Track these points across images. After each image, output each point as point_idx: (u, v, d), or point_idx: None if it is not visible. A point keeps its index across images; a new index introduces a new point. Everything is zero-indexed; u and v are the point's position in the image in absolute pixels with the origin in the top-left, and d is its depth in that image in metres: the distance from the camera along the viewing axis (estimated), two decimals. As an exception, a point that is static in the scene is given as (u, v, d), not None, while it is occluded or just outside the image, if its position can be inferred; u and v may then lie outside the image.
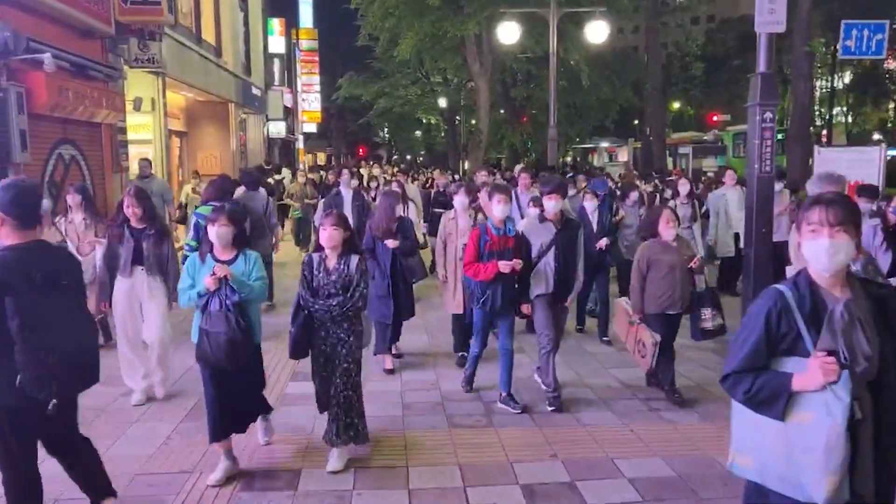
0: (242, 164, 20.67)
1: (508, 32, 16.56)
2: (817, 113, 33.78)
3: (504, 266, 5.10)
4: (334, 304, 4.25)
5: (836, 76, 36.36)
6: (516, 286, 5.35)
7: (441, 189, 11.43)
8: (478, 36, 19.39)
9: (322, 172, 20.34)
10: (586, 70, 20.85)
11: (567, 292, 5.57)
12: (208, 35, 18.27)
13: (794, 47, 17.27)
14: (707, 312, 5.50)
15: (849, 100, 38.40)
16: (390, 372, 6.32)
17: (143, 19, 11.89)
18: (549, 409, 5.32)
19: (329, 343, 4.38)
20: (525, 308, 5.42)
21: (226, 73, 19.55)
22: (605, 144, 38.15)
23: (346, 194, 8.93)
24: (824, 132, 37.46)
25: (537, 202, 6.40)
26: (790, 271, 6.23)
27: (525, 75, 25.49)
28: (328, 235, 4.29)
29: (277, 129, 26.53)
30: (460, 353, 6.59)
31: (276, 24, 26.89)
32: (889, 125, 39.51)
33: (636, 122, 42.17)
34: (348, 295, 4.26)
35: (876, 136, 40.22)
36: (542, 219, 5.53)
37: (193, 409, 5.44)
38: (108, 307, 5.70)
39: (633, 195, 8.45)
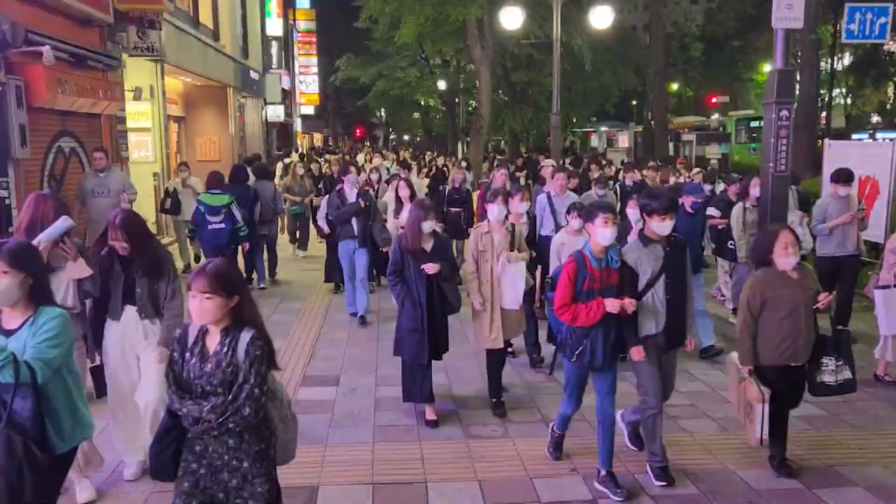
0: (241, 149, 20.47)
1: (511, 17, 16.32)
2: (818, 96, 33.53)
3: (612, 306, 4.05)
4: (207, 407, 2.72)
5: (835, 59, 36.07)
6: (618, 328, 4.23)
7: (457, 185, 10.39)
8: (480, 20, 19.11)
9: (322, 159, 20.12)
10: (589, 55, 20.61)
11: (681, 331, 4.41)
12: (206, 19, 17.97)
13: (801, 36, 17.05)
14: (830, 363, 4.40)
15: (848, 82, 38.15)
16: (433, 423, 5.22)
17: (142, 7, 11.65)
18: (657, 483, 4.32)
19: (208, 468, 2.85)
20: (637, 353, 4.21)
21: (224, 57, 19.26)
22: (604, 129, 37.91)
23: (351, 194, 8.16)
24: (823, 115, 37.28)
25: (583, 213, 5.15)
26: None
27: (527, 59, 25.20)
28: (198, 308, 2.78)
29: (276, 112, 26.25)
30: (496, 400, 5.55)
31: (274, 5, 26.48)
32: (888, 107, 39.32)
33: (635, 102, 41.89)
34: (230, 396, 2.73)
35: (875, 119, 40.11)
36: (647, 240, 4.31)
37: (205, 417, 5.36)
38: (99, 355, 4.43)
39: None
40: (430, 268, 5.14)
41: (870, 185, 9.08)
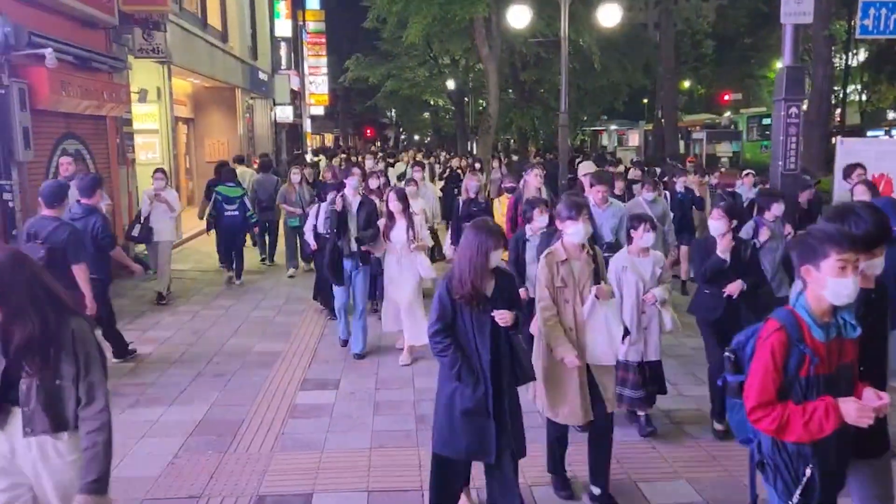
0: (250, 150, 20.49)
1: (519, 16, 16.18)
2: (833, 92, 33.16)
3: (858, 413, 2.44)
4: None
5: (850, 54, 35.65)
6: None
7: (473, 195, 8.76)
8: (487, 19, 19.00)
9: (320, 160, 19.97)
10: (597, 53, 20.45)
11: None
12: (214, 20, 17.97)
13: (814, 32, 16.80)
14: None
15: (863, 78, 37.69)
16: None
17: (147, 8, 11.64)
18: None
19: None
20: None
21: (232, 58, 19.28)
22: (614, 127, 37.69)
23: (354, 201, 6.82)
24: (838, 111, 36.87)
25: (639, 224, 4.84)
26: None
27: (535, 58, 25.05)
28: None
29: (284, 113, 26.26)
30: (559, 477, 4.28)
31: (283, 6, 26.51)
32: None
33: (645, 100, 41.62)
34: None
35: (891, 115, 39.61)
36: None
37: (203, 421, 5.31)
38: None
39: (777, 206, 5.90)
40: (504, 317, 3.49)
41: (884, 182, 8.90)
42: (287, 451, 4.80)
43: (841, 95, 36.67)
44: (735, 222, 5.04)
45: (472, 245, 3.54)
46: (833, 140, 16.21)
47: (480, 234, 3.54)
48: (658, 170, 14.65)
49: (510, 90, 27.79)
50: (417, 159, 17.19)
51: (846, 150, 9.47)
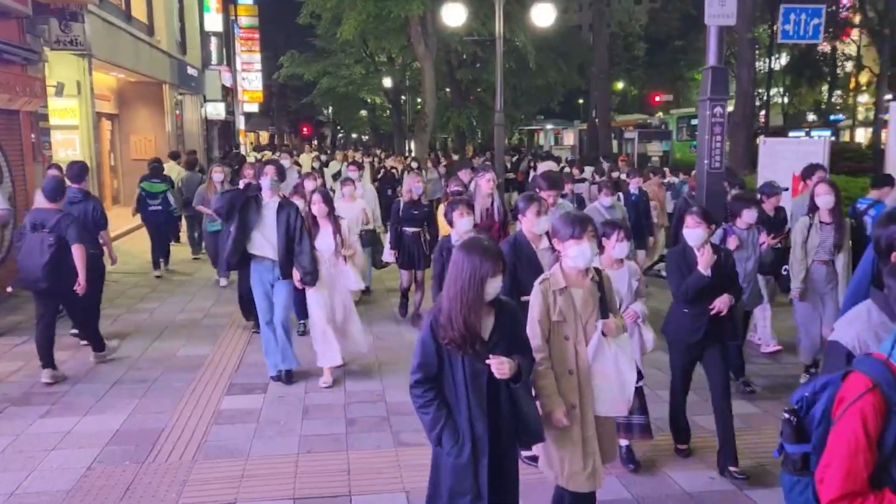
0: (180, 147, 19.85)
1: (454, 14, 16.16)
2: (757, 94, 34.42)
3: None
4: None
5: (773, 58, 37.11)
6: None
7: (416, 198, 7.84)
8: (422, 17, 18.92)
9: (265, 157, 19.57)
10: (533, 53, 20.64)
11: None
12: (139, 13, 17.32)
13: (738, 35, 17.39)
14: None
15: (785, 81, 39.29)
16: None
17: (64, -3, 11.10)
18: None
19: None
20: None
21: (159, 52, 18.62)
22: (550, 126, 38.19)
23: (270, 204, 5.85)
24: (762, 113, 38.34)
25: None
26: None
27: (471, 57, 25.12)
28: None
29: (216, 110, 25.57)
30: None
31: (213, 0, 25.80)
32: (823, 106, 40.63)
33: (581, 101, 42.31)
34: None
35: (811, 117, 41.40)
36: None
37: (120, 430, 5.05)
38: None
39: (749, 213, 5.53)
40: (501, 367, 2.79)
41: (802, 182, 9.21)
42: (210, 460, 4.61)
43: (765, 98, 38.19)
44: (714, 228, 4.65)
45: (463, 272, 2.77)
46: (757, 140, 16.78)
47: (473, 258, 2.77)
48: (605, 165, 14.62)
49: (447, 89, 27.79)
50: (355, 158, 16.92)
51: (768, 149, 9.79)
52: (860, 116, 39.47)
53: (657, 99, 41.57)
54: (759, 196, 6.49)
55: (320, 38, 26.26)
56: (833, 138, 34.09)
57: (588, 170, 14.67)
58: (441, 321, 2.80)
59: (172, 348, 7.04)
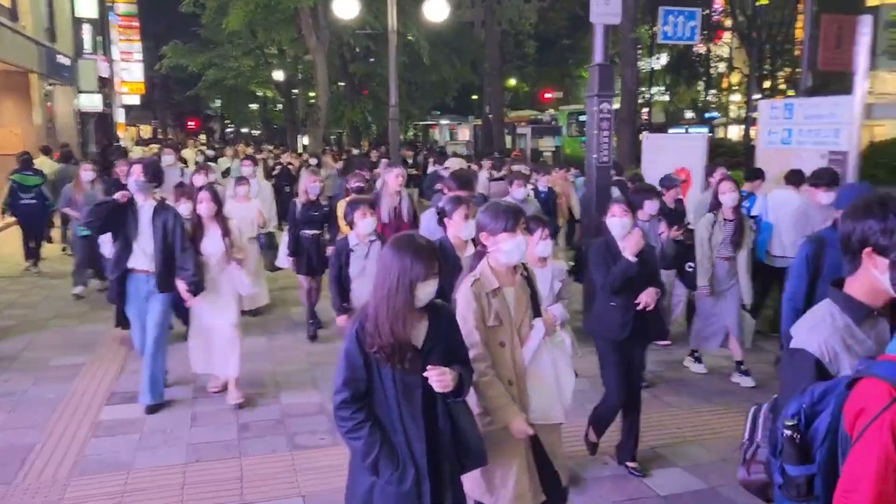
0: (50, 141, 18.50)
1: (346, 6, 15.90)
2: (639, 92, 36.04)
3: None
4: None
5: (654, 58, 39.02)
6: None
7: (313, 197, 7.12)
8: (313, 8, 18.52)
9: (151, 150, 18.57)
10: (427, 47, 20.68)
11: None
12: (0, -5, 16.00)
13: (623, 35, 18.09)
14: None
15: (666, 80, 41.39)
16: None
17: None
18: None
19: None
20: None
21: (24, 39, 17.26)
22: (445, 122, 38.46)
23: (145, 208, 5.16)
24: (646, 110, 40.19)
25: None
26: None
27: (364, 50, 24.86)
28: None
29: (91, 101, 24.03)
30: None
31: (86, -16, 24.20)
32: (700, 104, 43.13)
33: (475, 97, 42.88)
34: None
35: (690, 114, 43.84)
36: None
37: None
38: None
39: (650, 204, 5.43)
40: (442, 378, 2.47)
41: (684, 175, 9.69)
42: (88, 475, 4.28)
43: (648, 96, 40.09)
44: (637, 218, 4.51)
45: (391, 274, 2.44)
46: (641, 136, 17.53)
47: (403, 257, 2.43)
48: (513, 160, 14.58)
49: (340, 83, 27.40)
50: (248, 153, 16.18)
51: (651, 144, 10.22)
52: (732, 114, 42.16)
53: (548, 96, 42.75)
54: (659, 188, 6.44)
55: (205, 28, 25.18)
56: (710, 135, 36.29)
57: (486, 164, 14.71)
58: (367, 328, 2.45)
59: (45, 357, 6.51)
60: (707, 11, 31.47)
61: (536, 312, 3.11)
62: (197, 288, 5.21)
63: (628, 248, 4.07)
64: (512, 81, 44.53)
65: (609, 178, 7.33)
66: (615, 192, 7.81)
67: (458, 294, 3.00)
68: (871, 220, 1.92)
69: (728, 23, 34.56)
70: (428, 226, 5.31)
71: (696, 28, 10.15)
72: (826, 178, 5.69)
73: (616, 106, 19.47)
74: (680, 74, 38.86)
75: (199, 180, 7.16)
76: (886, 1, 31.03)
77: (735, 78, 38.80)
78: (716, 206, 5.79)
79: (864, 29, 6.84)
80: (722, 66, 39.48)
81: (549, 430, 3.11)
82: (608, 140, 7.13)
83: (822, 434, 1.73)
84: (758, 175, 7.21)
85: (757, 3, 30.77)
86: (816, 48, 10.22)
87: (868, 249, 1.95)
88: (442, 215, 4.12)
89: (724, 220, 5.75)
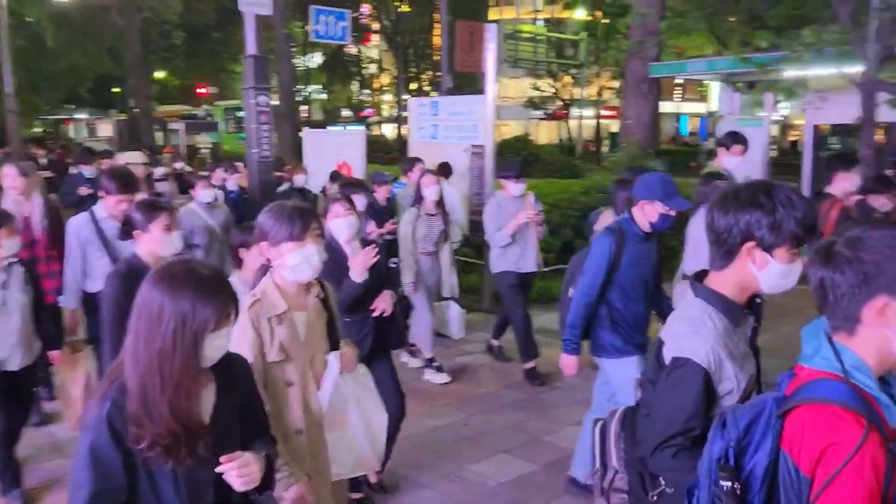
0: None
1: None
2: (297, 90, 36.28)
3: None
4: None
5: (309, 56, 39.60)
6: None
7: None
8: None
9: None
10: (51, 29, 18.04)
11: None
12: None
13: (275, 30, 17.94)
14: None
15: (322, 79, 42.34)
16: None
17: None
18: None
19: None
20: None
21: None
22: (83, 116, 34.23)
23: None
24: (305, 108, 40.64)
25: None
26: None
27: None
28: None
29: None
30: None
31: None
32: (355, 103, 45.11)
33: (118, 89, 38.93)
34: None
35: (346, 113, 45.52)
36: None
37: None
38: None
39: (359, 199, 4.98)
40: (247, 472, 1.78)
41: (346, 170, 9.88)
42: None
43: (306, 93, 40.56)
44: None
45: (163, 324, 1.68)
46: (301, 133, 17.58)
47: (179, 299, 1.68)
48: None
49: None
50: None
51: (312, 140, 10.26)
52: (386, 113, 44.90)
53: (202, 91, 40.66)
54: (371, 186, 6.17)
55: None
56: (367, 131, 38.13)
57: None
58: (130, 411, 1.66)
59: None
60: (356, 14, 32.91)
61: (335, 343, 2.54)
62: None
63: (355, 270, 3.42)
64: (160, 74, 41.40)
65: (271, 172, 7.11)
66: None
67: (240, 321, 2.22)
68: (758, 213, 1.75)
69: (376, 26, 36.58)
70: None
71: (347, 29, 10.45)
72: (514, 170, 5.69)
73: (275, 102, 19.31)
74: (335, 73, 40.07)
75: None
76: (503, 17, 35.99)
77: (386, 79, 41.34)
78: (418, 200, 5.67)
79: (491, 36, 7.62)
80: (373, 68, 41.68)
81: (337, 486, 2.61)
82: (268, 134, 6.90)
83: (759, 478, 1.41)
84: (447, 172, 7.35)
85: (399, 10, 33.12)
86: (454, 52, 11.22)
87: (751, 244, 1.79)
88: (129, 228, 3.27)
89: (427, 214, 5.66)
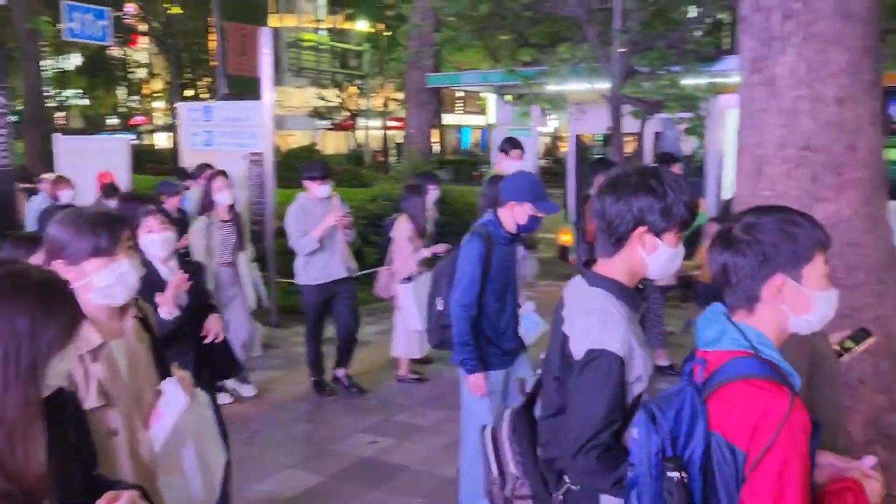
0: None
1: None
2: (52, 95, 32.55)
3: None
4: None
5: (64, 57, 35.71)
6: None
7: None
8: None
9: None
10: None
11: None
12: None
13: (17, 26, 15.99)
14: None
15: (82, 83, 38.41)
16: None
17: None
18: None
19: None
20: None
21: None
22: None
23: None
24: (62, 114, 36.61)
25: None
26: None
27: None
28: None
29: None
30: None
31: None
32: (122, 109, 41.52)
33: None
34: None
35: (113, 120, 41.75)
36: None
37: None
38: None
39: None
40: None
41: (109, 179, 9.03)
42: None
43: (63, 98, 36.54)
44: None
45: None
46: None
47: (18, 316, 1.28)
48: None
49: None
50: None
51: (65, 148, 9.26)
52: (159, 121, 41.86)
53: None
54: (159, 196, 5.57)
55: None
56: (138, 141, 35.27)
57: None
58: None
59: None
60: (119, 13, 30.33)
61: (165, 371, 2.11)
62: None
63: (163, 306, 2.88)
64: None
65: (11, 183, 6.23)
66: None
67: None
68: (650, 198, 1.76)
69: (144, 27, 33.98)
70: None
71: (108, 28, 9.73)
72: (319, 171, 5.33)
73: (21, 107, 17.12)
74: (97, 77, 36.59)
75: None
76: (284, 24, 35.25)
77: (158, 84, 38.56)
78: (209, 207, 5.18)
79: (265, 40, 7.35)
80: (143, 72, 38.71)
81: None
82: (6, 139, 6.06)
83: (697, 464, 1.42)
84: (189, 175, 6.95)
85: (169, 12, 31.06)
86: (226, 56, 10.71)
87: (642, 229, 1.79)
88: None
89: (220, 221, 5.19)
